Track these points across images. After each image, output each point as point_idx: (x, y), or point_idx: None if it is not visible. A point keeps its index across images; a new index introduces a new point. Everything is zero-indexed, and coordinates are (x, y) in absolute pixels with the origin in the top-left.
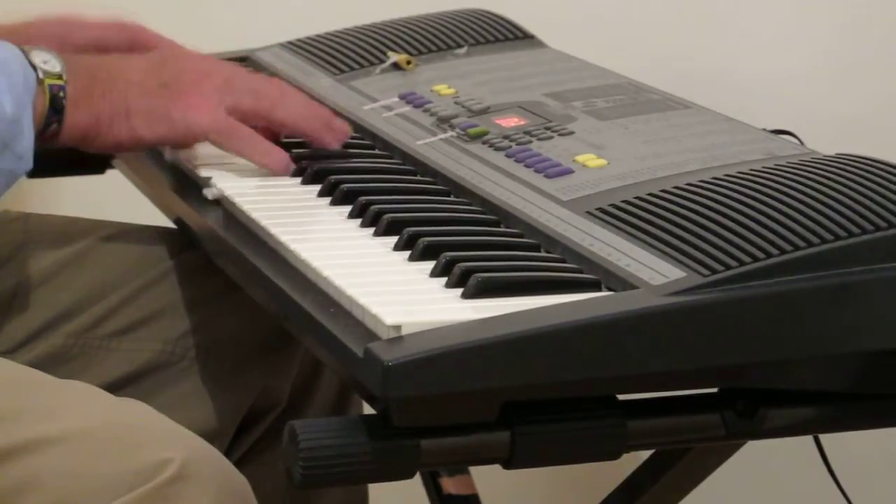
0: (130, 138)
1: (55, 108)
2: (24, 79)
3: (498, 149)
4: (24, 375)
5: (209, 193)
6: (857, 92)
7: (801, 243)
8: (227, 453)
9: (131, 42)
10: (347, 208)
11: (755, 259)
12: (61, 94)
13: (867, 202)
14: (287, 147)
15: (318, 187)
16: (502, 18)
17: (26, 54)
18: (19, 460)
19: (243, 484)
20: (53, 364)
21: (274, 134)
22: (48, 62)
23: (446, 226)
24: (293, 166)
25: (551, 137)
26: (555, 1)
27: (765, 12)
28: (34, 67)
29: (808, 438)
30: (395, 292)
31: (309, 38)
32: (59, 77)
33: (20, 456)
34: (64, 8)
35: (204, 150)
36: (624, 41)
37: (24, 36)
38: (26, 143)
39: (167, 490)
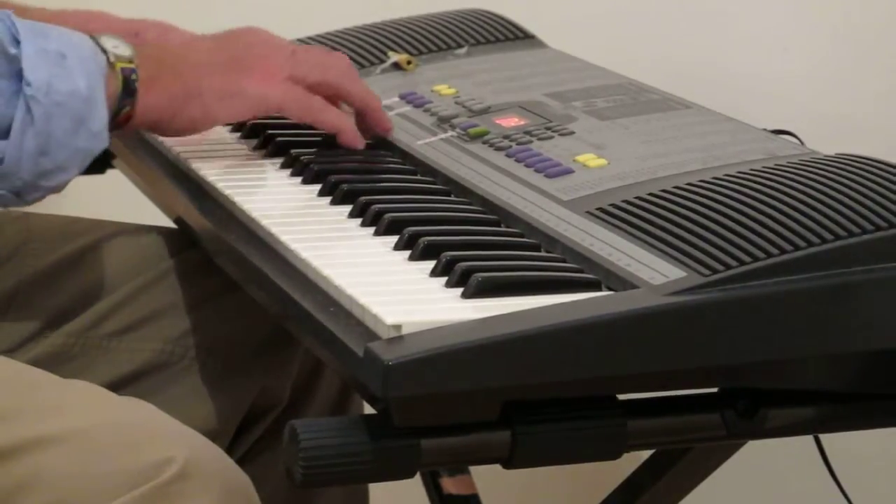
0: (205, 117)
1: (128, 91)
2: (96, 62)
3: (498, 149)
4: (25, 374)
5: None
6: (857, 92)
7: (801, 243)
8: (228, 453)
9: (160, 39)
10: (348, 208)
11: (755, 259)
12: (133, 76)
13: (867, 202)
14: (286, 146)
15: (318, 187)
16: (502, 18)
17: (96, 40)
18: (21, 459)
19: (246, 482)
20: (54, 364)
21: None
22: (118, 47)
23: (446, 225)
24: (361, 142)
25: (552, 137)
26: (555, 1)
27: (765, 12)
28: (104, 52)
29: (808, 438)
30: (396, 292)
31: (309, 37)
32: (130, 61)
33: (22, 454)
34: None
35: (205, 150)
36: (624, 41)
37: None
38: (101, 120)
39: (170, 488)
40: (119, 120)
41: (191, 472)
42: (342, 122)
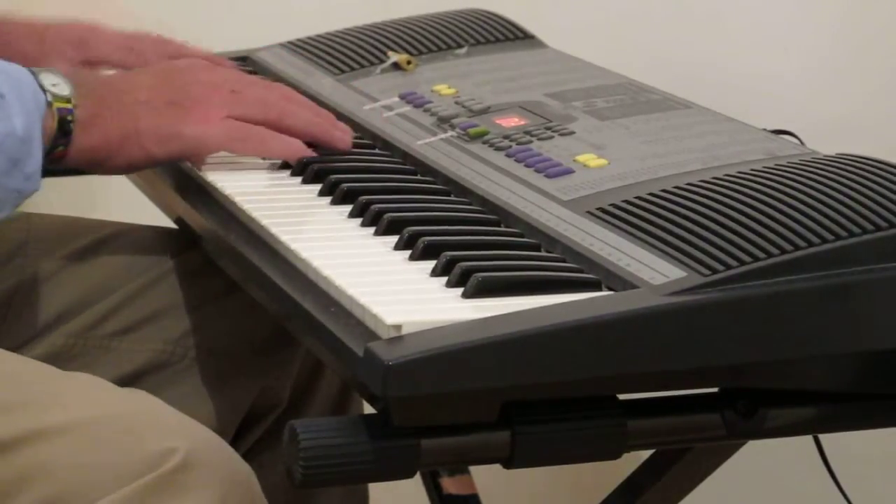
0: (143, 158)
1: (63, 131)
2: (35, 101)
3: (498, 149)
4: (28, 367)
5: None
6: (857, 92)
7: (801, 243)
8: None
9: (154, 53)
10: (348, 208)
11: (755, 259)
12: (69, 117)
13: (867, 202)
14: None
15: (318, 187)
16: (502, 18)
17: (36, 76)
18: (24, 450)
19: (248, 473)
20: (54, 363)
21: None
22: (57, 85)
23: (446, 225)
24: (307, 152)
25: (552, 137)
26: (555, 1)
27: (765, 12)
28: (43, 90)
29: (808, 438)
30: (396, 292)
31: (309, 38)
32: (68, 101)
33: (25, 446)
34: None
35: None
36: (624, 41)
37: (41, 38)
38: (34, 164)
39: (172, 479)
40: (52, 157)
41: (193, 462)
42: (288, 148)
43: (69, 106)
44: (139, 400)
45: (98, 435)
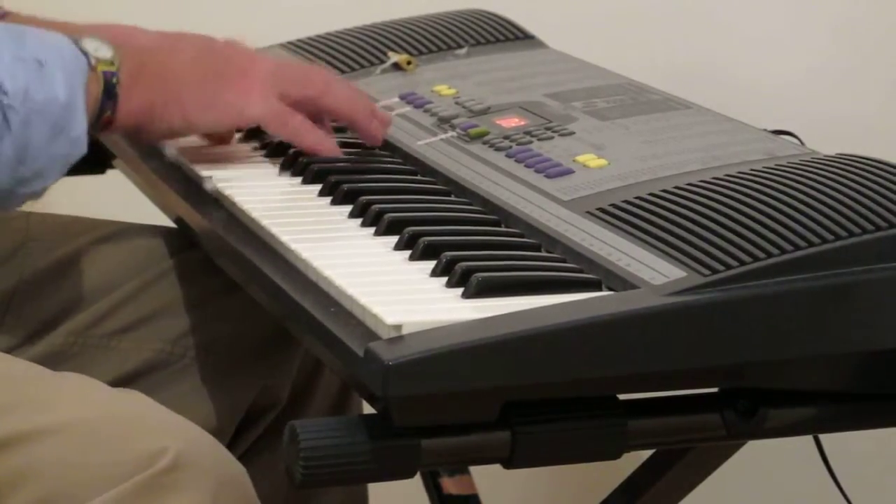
0: (183, 124)
1: (108, 94)
2: (77, 65)
3: (498, 149)
4: (20, 368)
5: (208, 185)
6: (856, 92)
7: (802, 243)
8: None
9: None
10: (348, 208)
11: (755, 259)
12: (114, 80)
13: (867, 202)
14: (287, 146)
15: (318, 187)
16: (502, 18)
17: (77, 42)
18: (15, 451)
19: (241, 472)
20: (53, 363)
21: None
22: (99, 49)
23: (447, 225)
24: (338, 151)
25: (552, 137)
26: (555, 1)
27: (765, 12)
28: (85, 54)
29: (808, 438)
30: (396, 292)
31: (309, 38)
32: (111, 63)
33: (16, 447)
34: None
35: (206, 149)
36: (624, 41)
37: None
38: (80, 127)
39: (164, 479)
40: (100, 124)
41: (185, 462)
42: (320, 144)
43: (113, 69)
44: (131, 400)
45: (89, 435)
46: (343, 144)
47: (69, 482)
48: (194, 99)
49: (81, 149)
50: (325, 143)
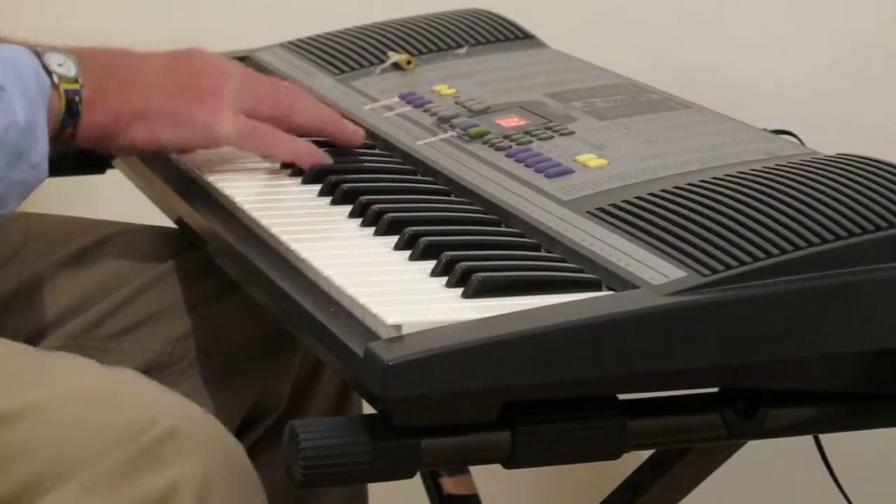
0: (148, 140)
1: (70, 112)
2: (39, 85)
3: (498, 149)
4: (8, 347)
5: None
6: (856, 92)
7: (802, 243)
8: None
9: None
10: (348, 208)
11: (755, 259)
12: (77, 98)
13: (867, 202)
14: None
15: (318, 187)
16: (502, 18)
17: (41, 57)
18: (6, 429)
19: (236, 446)
20: None
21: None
22: (63, 65)
23: (447, 225)
24: (324, 157)
25: (552, 137)
26: (555, 1)
27: (764, 13)
28: (49, 72)
29: (808, 438)
30: (396, 292)
31: (309, 38)
32: (75, 81)
33: (7, 424)
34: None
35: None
36: (624, 41)
37: None
38: (41, 151)
39: (154, 449)
40: (61, 139)
41: (176, 433)
42: (296, 148)
43: (76, 87)
44: (121, 376)
45: (81, 411)
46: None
47: (60, 457)
48: (163, 114)
49: (42, 174)
50: (298, 150)
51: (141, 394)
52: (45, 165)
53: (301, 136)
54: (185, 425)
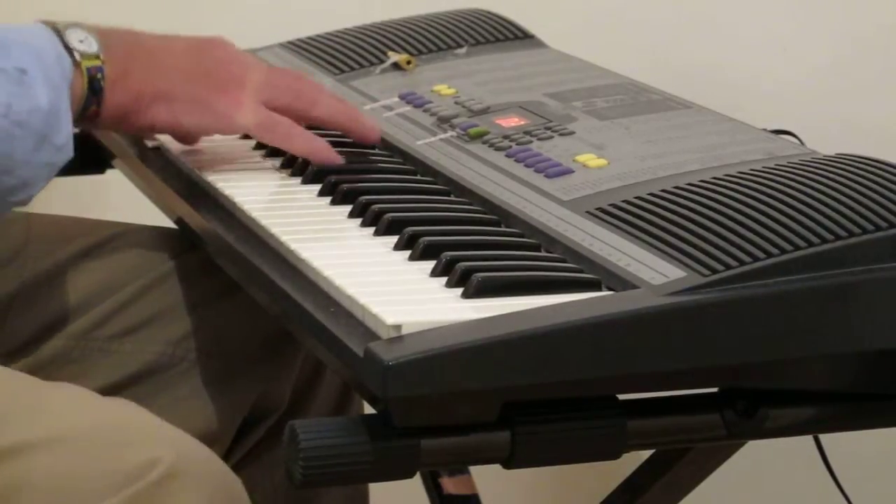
0: (167, 122)
1: (94, 90)
2: (60, 65)
3: (498, 149)
4: (9, 379)
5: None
6: (856, 92)
7: (801, 243)
8: (228, 455)
9: None
10: (348, 208)
11: (755, 259)
12: (99, 75)
13: (867, 202)
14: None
15: (318, 187)
16: (502, 18)
17: (61, 35)
18: (7, 464)
19: (235, 482)
20: (55, 367)
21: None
22: (84, 41)
23: (446, 225)
24: (337, 157)
25: (551, 137)
26: (555, 1)
27: (764, 13)
28: (70, 50)
29: (808, 438)
30: (396, 292)
31: (309, 38)
32: (97, 57)
33: (8, 459)
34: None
35: (206, 151)
36: (624, 41)
37: None
38: (65, 133)
39: (157, 490)
40: (85, 118)
41: (178, 472)
42: (311, 145)
43: (98, 63)
44: (124, 410)
45: (82, 447)
46: (341, 144)
47: (62, 495)
48: (185, 97)
49: (67, 154)
50: (315, 147)
51: (144, 430)
52: (70, 146)
53: (316, 129)
54: (189, 464)
